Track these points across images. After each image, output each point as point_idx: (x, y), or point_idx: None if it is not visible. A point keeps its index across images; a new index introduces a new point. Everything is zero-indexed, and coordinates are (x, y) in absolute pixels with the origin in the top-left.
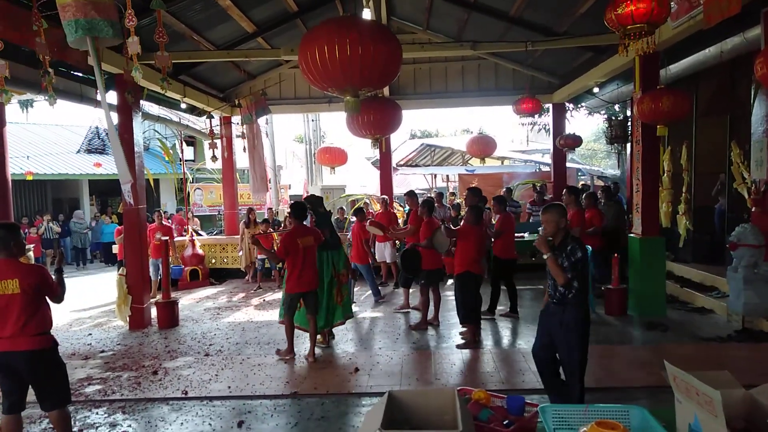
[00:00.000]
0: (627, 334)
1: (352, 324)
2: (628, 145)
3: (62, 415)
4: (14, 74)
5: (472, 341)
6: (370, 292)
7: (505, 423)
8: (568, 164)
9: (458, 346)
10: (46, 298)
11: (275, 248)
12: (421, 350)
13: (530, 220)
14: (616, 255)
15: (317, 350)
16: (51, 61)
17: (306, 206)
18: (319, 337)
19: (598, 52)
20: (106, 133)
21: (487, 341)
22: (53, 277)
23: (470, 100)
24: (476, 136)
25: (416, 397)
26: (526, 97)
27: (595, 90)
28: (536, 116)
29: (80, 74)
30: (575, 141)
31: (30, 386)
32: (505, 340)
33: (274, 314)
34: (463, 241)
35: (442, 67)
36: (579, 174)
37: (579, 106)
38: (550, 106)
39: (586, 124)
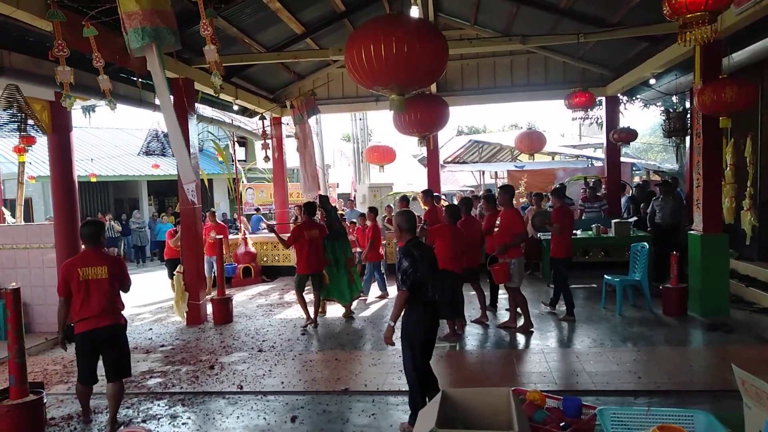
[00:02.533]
0: (687, 336)
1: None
2: (687, 138)
3: (120, 387)
4: (78, 81)
5: (451, 334)
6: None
7: (561, 425)
8: (622, 159)
9: (439, 338)
10: None
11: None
12: (470, 350)
13: (583, 217)
14: (674, 253)
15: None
16: (112, 67)
17: (316, 205)
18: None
19: (654, 42)
20: (165, 136)
21: (539, 341)
22: None
23: (519, 95)
24: (526, 132)
25: (470, 396)
26: (579, 90)
27: (652, 81)
28: (588, 110)
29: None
30: (630, 135)
31: (102, 359)
32: (557, 340)
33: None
34: (439, 240)
35: (490, 62)
36: (634, 169)
37: (633, 98)
38: (603, 99)
39: (641, 116)
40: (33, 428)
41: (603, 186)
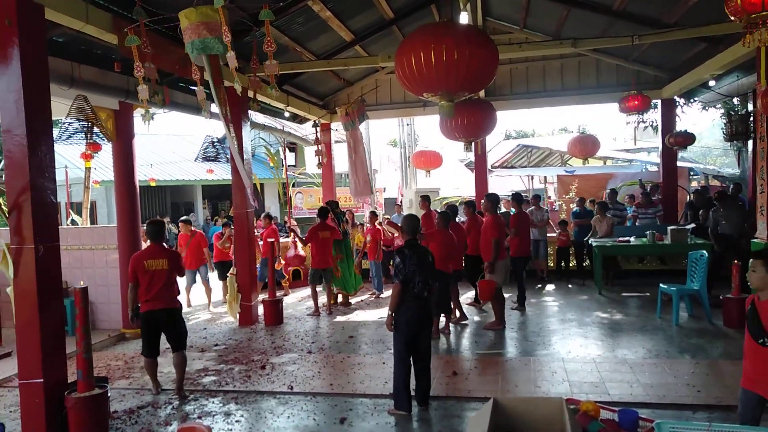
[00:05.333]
0: None
1: (450, 327)
2: (750, 142)
3: (183, 357)
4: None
5: (436, 330)
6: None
7: None
8: (679, 163)
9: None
10: None
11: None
12: (520, 357)
13: (637, 224)
14: (736, 261)
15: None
16: (171, 77)
17: (328, 209)
18: (340, 298)
19: (713, 42)
20: (220, 142)
21: (590, 350)
22: None
23: (570, 98)
24: (578, 136)
25: (521, 404)
26: (633, 93)
27: (711, 83)
28: (643, 113)
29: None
30: (687, 139)
31: (165, 336)
32: (610, 349)
33: (372, 314)
34: (432, 243)
35: (540, 66)
36: (691, 173)
37: (691, 100)
38: (659, 102)
39: (700, 119)
40: (98, 420)
41: (659, 191)
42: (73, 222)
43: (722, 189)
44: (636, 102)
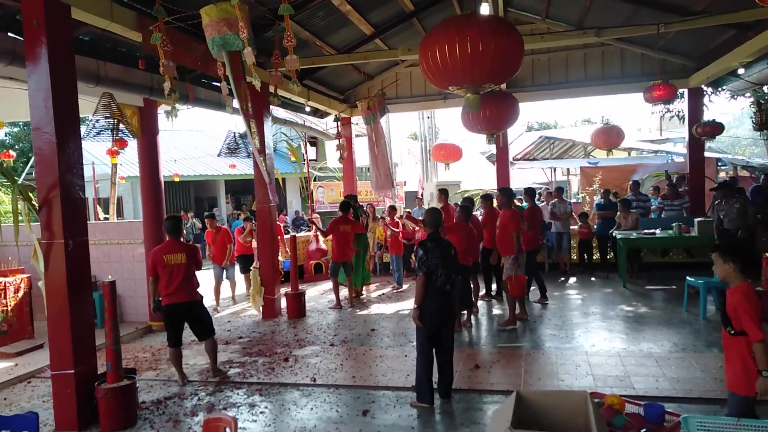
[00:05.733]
0: None
1: (470, 321)
2: None
3: (213, 343)
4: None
5: (458, 324)
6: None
7: (642, 431)
8: (706, 154)
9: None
10: None
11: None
12: (543, 350)
13: (662, 215)
14: (766, 254)
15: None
16: (194, 74)
17: (350, 203)
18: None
19: (742, 29)
20: (242, 137)
21: (615, 344)
22: None
23: (593, 89)
24: (602, 127)
25: (545, 397)
26: (658, 83)
27: (740, 71)
28: (669, 103)
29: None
30: (714, 128)
31: (189, 327)
32: (635, 343)
33: (393, 307)
34: (452, 236)
35: (563, 56)
36: (719, 164)
37: (719, 89)
38: (685, 91)
39: (728, 108)
40: (127, 410)
41: (685, 182)
42: (105, 218)
43: (724, 181)
44: (662, 91)
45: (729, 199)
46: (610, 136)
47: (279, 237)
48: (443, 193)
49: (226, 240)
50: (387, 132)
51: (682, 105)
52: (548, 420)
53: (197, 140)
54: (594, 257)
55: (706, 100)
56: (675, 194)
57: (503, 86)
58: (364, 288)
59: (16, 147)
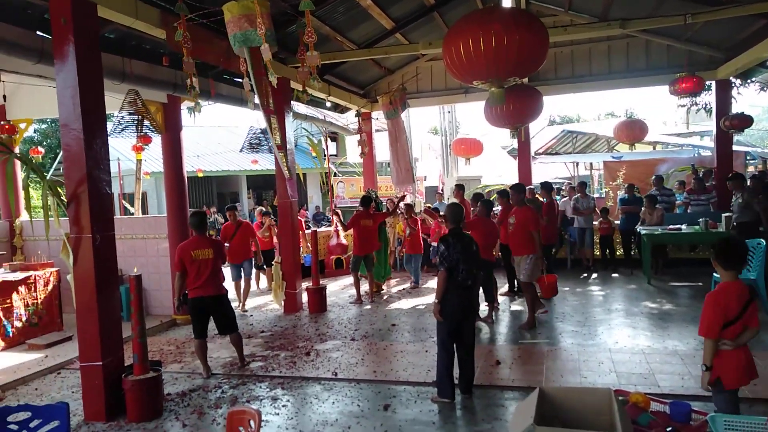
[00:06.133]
0: None
1: (493, 317)
2: None
3: (238, 337)
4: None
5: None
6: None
7: (668, 430)
8: (734, 147)
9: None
10: None
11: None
12: (565, 346)
13: (689, 210)
14: None
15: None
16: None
17: (371, 198)
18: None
19: None
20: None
21: (639, 341)
22: None
23: (617, 82)
24: (626, 121)
25: (568, 394)
26: (685, 75)
27: None
28: (696, 95)
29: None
30: (743, 121)
31: (214, 320)
32: (660, 340)
33: (413, 302)
34: (472, 232)
35: (586, 48)
36: (748, 158)
37: (748, 81)
38: (713, 83)
39: (756, 101)
40: (154, 402)
41: (712, 177)
42: (129, 212)
43: (735, 172)
44: (689, 84)
45: (738, 191)
46: (633, 130)
47: (300, 232)
48: (459, 188)
49: (249, 234)
50: (407, 126)
51: (709, 97)
52: (571, 417)
53: (220, 136)
54: (617, 253)
55: (734, 92)
56: (702, 189)
57: (525, 79)
58: (384, 283)
59: (44, 143)
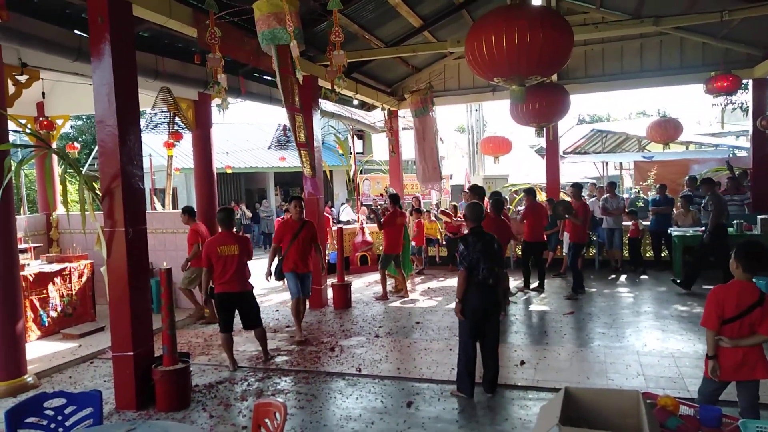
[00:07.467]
0: None
1: (517, 317)
2: None
3: (262, 332)
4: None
5: None
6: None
7: None
8: None
9: None
10: None
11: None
12: (591, 348)
13: None
14: None
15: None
16: (246, 68)
17: (398, 196)
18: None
19: None
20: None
21: (669, 344)
22: None
23: (650, 80)
24: (659, 120)
25: (594, 395)
26: (721, 73)
27: None
28: (732, 94)
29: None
30: None
31: (240, 315)
32: (689, 344)
33: (437, 299)
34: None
35: (617, 46)
36: None
37: None
38: (750, 82)
39: None
40: (182, 392)
41: (748, 178)
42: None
43: (704, 179)
44: (725, 82)
45: (710, 194)
46: (667, 130)
47: (326, 229)
48: (474, 191)
49: (314, 237)
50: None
51: (745, 96)
52: (597, 418)
53: (248, 133)
54: (647, 255)
55: None
56: (736, 189)
57: (554, 78)
58: (408, 280)
59: (80, 139)
